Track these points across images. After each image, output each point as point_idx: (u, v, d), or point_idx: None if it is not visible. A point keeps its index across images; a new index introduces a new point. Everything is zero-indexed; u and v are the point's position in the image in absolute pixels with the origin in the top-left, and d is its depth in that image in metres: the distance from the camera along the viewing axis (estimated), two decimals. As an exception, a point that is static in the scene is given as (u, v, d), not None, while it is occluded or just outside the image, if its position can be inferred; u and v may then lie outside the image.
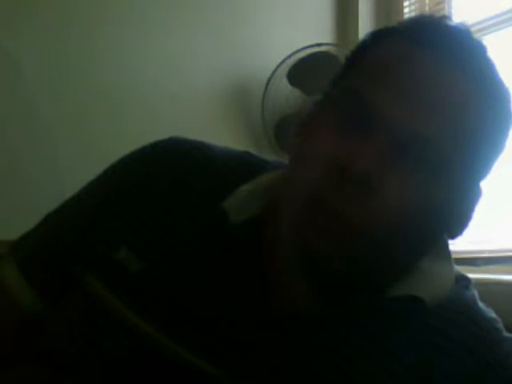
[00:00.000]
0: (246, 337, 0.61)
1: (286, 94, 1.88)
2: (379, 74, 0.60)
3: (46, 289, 0.70)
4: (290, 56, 1.86)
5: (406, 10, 2.10)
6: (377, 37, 0.65)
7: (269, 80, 1.87)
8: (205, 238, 0.65)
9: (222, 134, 1.82)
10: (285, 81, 1.87)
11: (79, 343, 0.63)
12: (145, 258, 0.65)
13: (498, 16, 1.84)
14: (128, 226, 0.67)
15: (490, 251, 1.65)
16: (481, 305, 0.67)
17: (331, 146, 0.59)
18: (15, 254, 0.72)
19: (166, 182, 0.69)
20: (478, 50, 0.63)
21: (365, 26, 2.08)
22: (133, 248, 0.65)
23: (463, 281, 0.69)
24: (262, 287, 0.63)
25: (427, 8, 2.05)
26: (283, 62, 1.86)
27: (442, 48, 0.60)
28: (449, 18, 0.65)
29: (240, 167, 0.71)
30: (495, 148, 0.64)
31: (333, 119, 0.61)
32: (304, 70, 1.85)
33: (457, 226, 0.66)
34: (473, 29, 0.65)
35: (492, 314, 0.67)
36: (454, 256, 0.71)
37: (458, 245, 0.70)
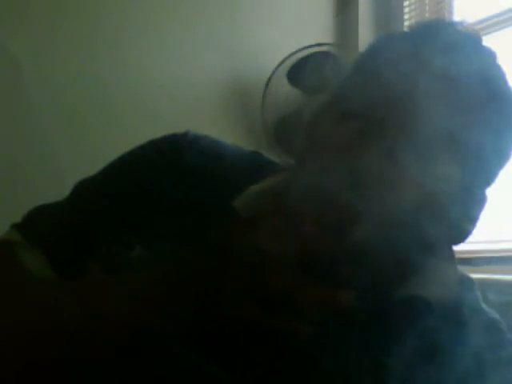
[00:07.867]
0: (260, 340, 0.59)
1: (286, 93, 1.88)
2: (385, 77, 0.60)
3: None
4: (290, 56, 1.86)
5: (406, 10, 2.10)
6: (384, 41, 0.65)
7: (269, 80, 1.87)
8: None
9: (221, 134, 1.81)
10: (285, 80, 1.87)
11: None
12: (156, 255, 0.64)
13: (498, 16, 1.84)
14: (142, 221, 0.67)
15: (490, 251, 1.65)
16: (484, 306, 0.67)
17: (335, 147, 0.59)
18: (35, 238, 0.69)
19: (176, 180, 0.69)
20: (487, 56, 0.63)
21: (365, 25, 2.08)
22: (147, 247, 0.65)
23: (467, 282, 0.69)
24: None
25: (427, 8, 2.05)
26: (283, 61, 1.86)
27: (451, 53, 0.60)
28: (459, 23, 0.65)
29: (251, 167, 0.71)
30: (501, 155, 0.64)
31: (338, 121, 0.61)
32: (304, 69, 1.85)
33: (461, 231, 0.66)
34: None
35: (495, 315, 0.67)
36: (454, 256, 0.71)
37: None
